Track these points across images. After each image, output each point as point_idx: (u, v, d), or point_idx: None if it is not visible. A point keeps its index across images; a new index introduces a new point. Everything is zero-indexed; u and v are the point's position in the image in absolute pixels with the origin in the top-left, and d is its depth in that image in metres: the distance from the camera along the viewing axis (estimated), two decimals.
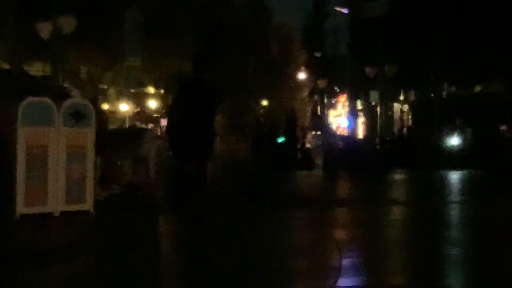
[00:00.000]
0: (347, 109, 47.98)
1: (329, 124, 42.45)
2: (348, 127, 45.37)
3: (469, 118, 30.24)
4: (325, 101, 48.15)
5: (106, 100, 38.58)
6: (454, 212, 13.37)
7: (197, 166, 11.09)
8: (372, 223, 11.78)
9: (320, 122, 26.93)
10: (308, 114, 50.73)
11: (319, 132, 28.86)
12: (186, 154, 11.14)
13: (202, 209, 11.05)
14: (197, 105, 10.92)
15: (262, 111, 60.76)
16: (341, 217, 12.74)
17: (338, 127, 44.62)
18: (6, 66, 25.50)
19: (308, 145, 29.41)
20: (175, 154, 11.71)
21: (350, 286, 7.01)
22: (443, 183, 20.44)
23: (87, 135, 11.18)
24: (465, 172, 23.20)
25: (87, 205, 11.10)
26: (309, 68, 59.50)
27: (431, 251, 8.74)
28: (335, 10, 46.85)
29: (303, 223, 11.97)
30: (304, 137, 28.37)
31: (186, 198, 11.21)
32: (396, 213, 13.34)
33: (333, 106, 49.93)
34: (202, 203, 11.09)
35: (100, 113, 16.78)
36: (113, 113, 34.87)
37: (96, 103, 14.70)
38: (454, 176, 22.38)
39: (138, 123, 37.99)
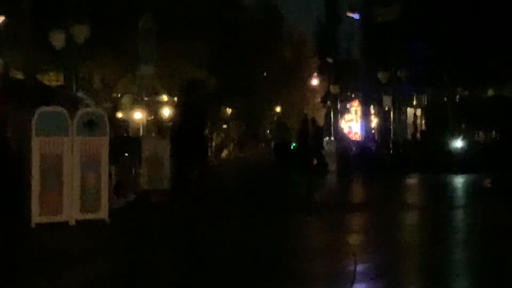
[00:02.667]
0: (359, 114, 47.87)
1: (341, 130, 42.37)
2: (361, 132, 45.29)
3: (482, 121, 30.16)
4: (338, 106, 48.02)
5: (119, 108, 38.63)
6: (469, 217, 13.34)
7: (194, 168, 13.82)
8: (386, 227, 11.77)
9: (318, 130, 26.64)
10: (322, 119, 50.66)
11: (332, 138, 28.80)
12: (186, 159, 13.70)
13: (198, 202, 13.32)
14: (191, 123, 13.68)
15: (275, 117, 60.74)
16: (356, 222, 12.74)
17: (349, 132, 44.53)
18: (20, 75, 25.62)
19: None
20: (176, 159, 14.19)
21: None
22: (458, 187, 20.39)
23: (101, 144, 11.23)
24: (478, 175, 23.06)
25: (102, 213, 11.14)
26: (322, 74, 59.48)
27: (447, 256, 8.74)
28: (347, 16, 46.72)
29: (318, 227, 12.00)
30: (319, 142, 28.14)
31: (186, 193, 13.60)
32: (411, 217, 13.33)
33: (346, 111, 49.81)
34: (199, 196, 13.58)
35: (119, 122, 16.94)
36: (126, 121, 34.89)
37: (116, 111, 14.82)
38: (468, 180, 22.28)
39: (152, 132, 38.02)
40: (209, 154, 23.76)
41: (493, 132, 31.84)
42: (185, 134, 13.66)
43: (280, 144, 26.32)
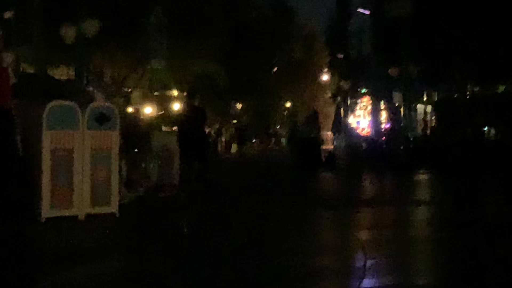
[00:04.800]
0: (369, 110, 47.81)
1: (349, 125, 42.31)
2: (371, 128, 45.24)
3: (493, 117, 30.07)
4: (348, 102, 47.99)
5: (130, 102, 38.68)
6: (480, 213, 13.31)
7: (198, 161, 16.34)
8: (397, 223, 11.77)
9: (314, 122, 26.30)
10: (332, 115, 50.63)
11: (342, 134, 28.74)
12: (190, 153, 16.08)
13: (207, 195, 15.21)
14: (195, 122, 16.46)
15: (285, 112, 60.72)
16: (366, 218, 12.72)
17: (357, 128, 44.47)
18: (31, 69, 25.67)
19: (331, 146, 29.37)
20: (182, 153, 16.30)
21: (375, 287, 7.02)
22: (469, 184, 20.32)
23: (112, 138, 11.24)
24: (488, 171, 22.99)
25: (113, 207, 11.16)
26: (332, 69, 59.44)
27: (457, 252, 8.72)
28: (358, 11, 46.63)
29: (328, 223, 11.99)
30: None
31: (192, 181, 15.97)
32: (421, 213, 13.31)
33: (356, 107, 49.77)
34: (207, 189, 15.82)
35: (132, 116, 17.09)
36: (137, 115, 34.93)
37: (126, 105, 14.89)
38: (478, 176, 22.21)
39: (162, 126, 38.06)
40: (210, 147, 25.91)
41: (504, 128, 31.71)
42: (187, 129, 16.31)
43: (298, 140, 26.09)
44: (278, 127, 62.10)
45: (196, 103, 17.35)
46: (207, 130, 18.10)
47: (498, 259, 8.22)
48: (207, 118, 18.88)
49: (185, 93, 24.60)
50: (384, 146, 29.16)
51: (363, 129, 45.37)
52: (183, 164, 16.31)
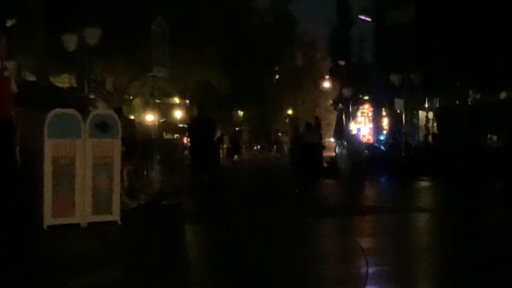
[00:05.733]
0: (370, 116, 47.85)
1: (351, 132, 42.26)
2: (373, 134, 45.25)
3: (494, 125, 30.00)
4: (350, 109, 47.97)
5: (131, 110, 38.74)
6: (482, 221, 13.30)
7: (208, 170, 17.38)
8: (399, 231, 11.77)
9: (315, 129, 26.16)
10: (333, 122, 50.65)
11: (343, 141, 28.67)
12: (200, 162, 17.21)
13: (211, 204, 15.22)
14: (204, 132, 17.53)
15: (287, 119, 60.73)
16: (368, 225, 12.72)
17: (359, 135, 44.47)
18: (32, 77, 25.70)
19: (333, 153, 29.33)
20: (193, 162, 17.55)
21: None
22: (470, 192, 20.30)
23: (113, 146, 11.25)
24: (490, 179, 22.90)
25: (114, 215, 11.16)
26: (334, 76, 59.45)
27: (458, 260, 8.72)
28: (359, 18, 46.70)
29: (330, 230, 11.98)
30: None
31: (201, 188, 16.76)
32: (424, 221, 13.30)
33: (358, 114, 49.81)
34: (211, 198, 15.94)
35: (131, 125, 17.04)
36: (138, 123, 34.98)
37: (121, 114, 14.78)
38: (479, 184, 22.15)
39: (164, 134, 38.11)
40: (220, 158, 26.12)
41: (506, 135, 31.67)
42: (198, 142, 17.38)
43: (309, 145, 25.94)
44: (280, 134, 62.03)
45: (206, 114, 18.85)
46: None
47: (499, 268, 8.22)
48: (217, 129, 20.52)
49: (187, 101, 25.04)
50: (386, 153, 29.09)
51: (363, 136, 45.38)
52: (194, 172, 17.18)
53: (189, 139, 19.86)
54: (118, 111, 14.69)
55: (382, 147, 30.79)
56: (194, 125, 19.11)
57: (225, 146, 50.15)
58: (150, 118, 39.49)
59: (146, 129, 25.85)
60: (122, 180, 12.02)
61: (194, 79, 42.08)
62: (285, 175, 26.37)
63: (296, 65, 61.57)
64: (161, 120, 41.46)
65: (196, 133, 17.91)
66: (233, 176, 28.00)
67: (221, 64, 41.80)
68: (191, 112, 45.12)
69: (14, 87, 11.02)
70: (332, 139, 41.65)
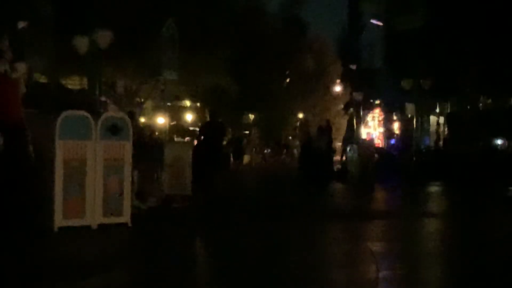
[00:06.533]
0: (381, 121, 47.86)
1: (361, 136, 42.23)
2: (384, 139, 45.22)
3: (505, 130, 29.97)
4: (361, 113, 47.94)
5: (142, 113, 38.78)
6: (492, 225, 13.26)
7: (215, 173, 17.04)
8: (409, 236, 11.74)
9: (326, 134, 26.00)
10: (344, 126, 50.63)
11: (354, 145, 28.59)
12: (207, 166, 16.72)
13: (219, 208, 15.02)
14: (213, 136, 17.45)
15: (297, 123, 60.66)
16: (378, 230, 12.69)
17: (370, 139, 44.41)
18: (44, 80, 25.78)
19: (343, 158, 29.26)
20: (199, 165, 16.66)
21: None
22: (480, 196, 20.23)
23: (124, 148, 11.25)
24: (501, 185, 22.79)
25: (125, 217, 11.16)
26: (344, 81, 59.39)
27: (469, 266, 8.69)
28: (370, 23, 46.72)
29: (340, 235, 11.95)
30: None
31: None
32: (434, 226, 13.26)
33: (368, 118, 49.83)
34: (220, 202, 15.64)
35: (140, 128, 17.05)
36: (149, 126, 35.00)
37: (133, 117, 14.79)
38: (490, 189, 22.06)
39: (175, 137, 38.14)
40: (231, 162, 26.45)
41: None
42: (207, 146, 17.27)
43: (320, 149, 25.82)
44: (290, 138, 61.92)
45: (217, 119, 18.93)
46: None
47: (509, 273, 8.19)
48: (226, 133, 20.52)
49: (198, 104, 25.10)
50: (396, 157, 29.02)
51: (377, 140, 45.35)
52: (202, 176, 16.77)
53: (196, 143, 19.80)
54: (131, 114, 14.71)
55: (393, 152, 30.73)
56: (204, 130, 18.95)
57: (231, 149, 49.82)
58: (161, 121, 39.48)
59: (154, 131, 25.84)
60: (132, 182, 12.00)
61: (204, 83, 42.04)
62: (295, 180, 26.27)
63: (307, 70, 61.47)
64: (172, 123, 41.45)
65: (204, 138, 17.90)
66: (241, 182, 27.93)
67: (232, 68, 41.77)
68: (202, 115, 45.12)
69: (22, 88, 11.04)
70: (340, 143, 41.62)
